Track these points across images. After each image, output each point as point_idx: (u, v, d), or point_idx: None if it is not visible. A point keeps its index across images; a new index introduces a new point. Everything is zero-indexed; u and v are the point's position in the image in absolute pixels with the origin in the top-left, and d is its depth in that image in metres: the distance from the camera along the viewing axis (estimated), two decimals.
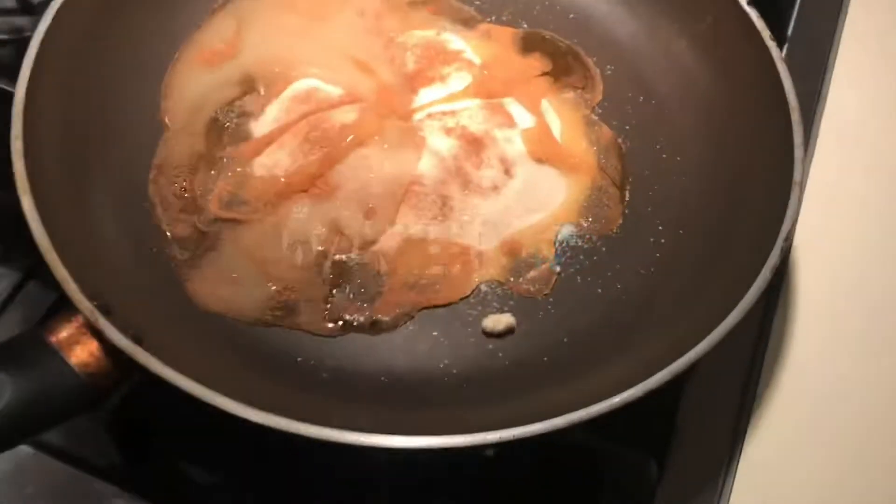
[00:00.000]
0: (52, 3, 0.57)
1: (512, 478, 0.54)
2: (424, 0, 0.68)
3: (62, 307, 0.52)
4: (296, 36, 0.65)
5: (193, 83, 0.62)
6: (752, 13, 0.61)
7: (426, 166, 0.59)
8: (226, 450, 0.54)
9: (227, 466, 0.55)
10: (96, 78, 0.59)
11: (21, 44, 0.74)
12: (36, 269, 0.61)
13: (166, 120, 0.60)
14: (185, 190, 0.58)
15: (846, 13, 0.79)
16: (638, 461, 0.54)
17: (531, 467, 0.55)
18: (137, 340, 0.46)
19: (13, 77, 0.64)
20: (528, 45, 0.67)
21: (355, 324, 0.54)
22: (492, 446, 0.44)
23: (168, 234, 0.56)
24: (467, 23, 0.68)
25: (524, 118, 0.62)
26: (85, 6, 0.59)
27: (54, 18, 0.57)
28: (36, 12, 0.75)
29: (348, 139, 0.59)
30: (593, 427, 0.45)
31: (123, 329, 0.46)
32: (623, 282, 0.57)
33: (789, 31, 0.76)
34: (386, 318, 0.54)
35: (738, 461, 0.55)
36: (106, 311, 0.46)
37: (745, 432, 0.56)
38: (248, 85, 0.62)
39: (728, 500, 0.54)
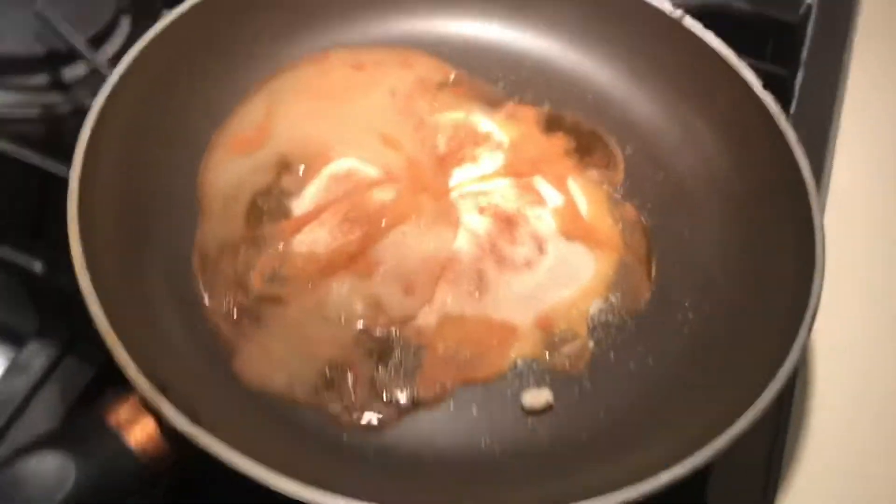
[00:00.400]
0: (105, 84, 0.60)
1: None
2: (453, 82, 0.71)
3: (107, 383, 0.53)
4: (328, 117, 0.68)
5: (229, 171, 0.64)
6: (767, 97, 0.64)
7: (462, 243, 0.61)
8: None
9: None
10: (145, 156, 0.61)
11: (52, 121, 0.76)
12: (74, 343, 0.62)
13: (204, 206, 0.62)
14: (227, 269, 0.59)
15: (846, 88, 0.84)
16: None
17: None
18: (195, 419, 0.47)
19: (45, 153, 0.67)
20: (552, 124, 0.70)
21: (398, 401, 0.55)
22: None
23: (213, 311, 0.58)
24: (493, 104, 0.71)
25: (553, 196, 0.65)
26: (135, 86, 0.61)
27: (107, 98, 0.59)
28: (67, 89, 0.78)
29: (386, 219, 0.61)
30: None
31: (181, 407, 0.47)
32: (654, 358, 0.59)
33: (792, 109, 0.80)
34: (427, 395, 0.56)
35: None
36: (163, 390, 0.47)
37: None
38: (285, 167, 0.64)
39: None
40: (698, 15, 0.70)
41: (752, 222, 0.63)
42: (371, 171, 0.64)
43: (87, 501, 0.45)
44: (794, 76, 0.82)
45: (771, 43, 0.86)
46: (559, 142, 0.68)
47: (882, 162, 0.79)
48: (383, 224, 0.61)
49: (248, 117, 0.67)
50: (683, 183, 0.68)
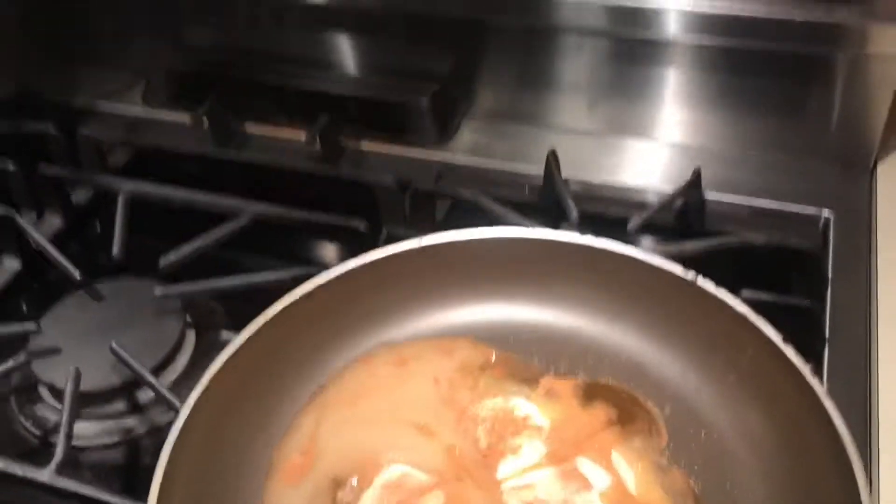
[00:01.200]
0: (179, 416, 0.65)
1: None
2: (493, 363, 0.75)
3: None
4: (375, 420, 0.72)
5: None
6: (789, 350, 0.66)
7: None
8: None
9: None
10: (213, 480, 0.66)
11: (129, 445, 0.82)
12: None
13: None
14: None
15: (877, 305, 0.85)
16: None
17: None
18: None
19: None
20: (590, 394, 0.73)
21: None
22: None
23: None
24: (530, 381, 0.74)
25: (598, 477, 0.66)
26: (198, 422, 0.66)
27: (177, 437, 0.64)
28: (142, 411, 0.85)
29: None
30: None
31: None
32: None
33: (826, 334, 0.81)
34: None
35: None
36: None
37: None
38: (338, 485, 0.68)
39: None
40: (720, 254, 0.74)
41: (792, 481, 0.64)
42: (421, 476, 0.67)
43: None
44: (822, 305, 0.84)
45: (794, 274, 0.89)
46: (600, 413, 0.71)
47: None
48: None
49: (296, 437, 0.71)
50: (724, 439, 0.69)
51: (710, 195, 0.99)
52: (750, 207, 0.98)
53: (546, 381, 0.74)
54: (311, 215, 0.95)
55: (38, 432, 0.84)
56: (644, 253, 0.75)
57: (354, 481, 0.68)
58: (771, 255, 0.90)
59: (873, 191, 0.99)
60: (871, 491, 0.58)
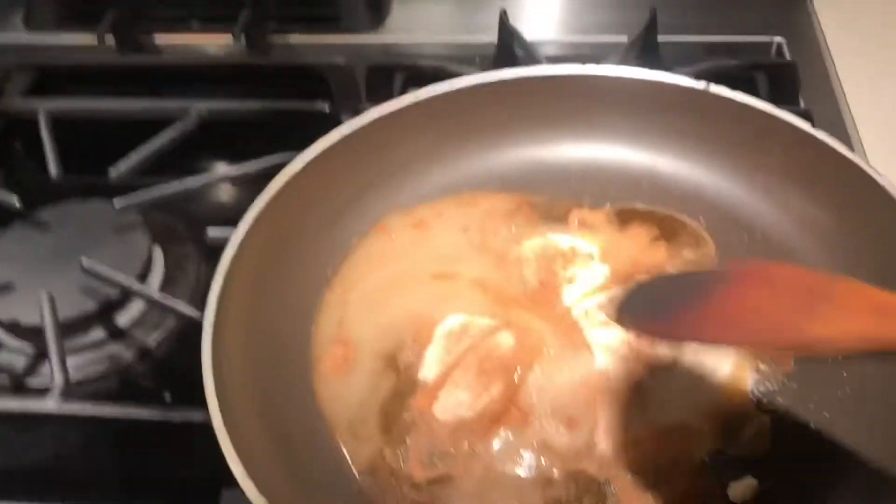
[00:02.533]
0: (208, 307, 0.58)
1: None
2: (518, 207, 0.71)
3: None
4: (405, 285, 0.67)
5: (341, 398, 0.61)
6: (821, 134, 0.66)
7: (603, 361, 0.60)
8: None
9: None
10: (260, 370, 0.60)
11: (121, 372, 0.73)
12: None
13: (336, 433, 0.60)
14: (385, 477, 0.57)
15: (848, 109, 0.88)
16: None
17: None
18: None
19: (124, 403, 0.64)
20: (624, 219, 0.71)
21: None
22: None
23: None
24: (561, 219, 0.71)
25: None
26: (231, 305, 0.60)
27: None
28: (125, 336, 0.76)
29: (520, 364, 0.59)
30: None
31: None
32: (828, 409, 0.58)
33: None
34: None
35: None
36: None
37: None
38: (392, 358, 0.63)
39: None
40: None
41: (853, 247, 0.64)
42: (481, 321, 0.63)
43: None
44: (803, 108, 0.85)
45: (766, 89, 0.90)
46: (641, 233, 0.69)
47: None
48: (519, 371, 0.59)
49: (327, 328, 0.65)
50: (770, 235, 0.69)
51: (664, 36, 0.98)
52: (704, 43, 0.98)
53: (576, 215, 0.71)
54: (266, 104, 0.87)
55: (6, 381, 0.73)
56: (650, 72, 0.73)
57: (411, 342, 0.62)
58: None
59: (814, 14, 1.02)
60: None
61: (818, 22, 1.00)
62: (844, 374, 0.60)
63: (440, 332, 0.63)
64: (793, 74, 0.88)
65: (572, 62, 0.76)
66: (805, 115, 0.79)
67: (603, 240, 0.69)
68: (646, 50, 0.96)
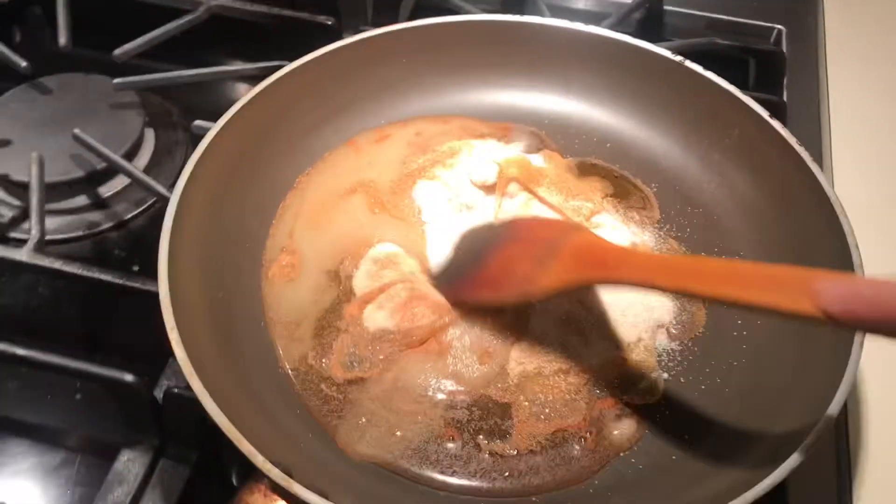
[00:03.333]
0: (172, 198, 0.63)
1: None
2: (487, 133, 0.78)
3: (202, 480, 0.60)
4: (356, 201, 0.73)
5: (284, 301, 0.67)
6: (777, 125, 0.70)
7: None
8: None
9: None
10: (216, 254, 0.65)
11: (93, 238, 0.79)
12: (164, 448, 0.64)
13: (272, 329, 0.65)
14: (307, 364, 0.63)
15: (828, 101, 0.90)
16: None
17: None
18: (324, 495, 0.49)
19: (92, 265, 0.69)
20: (583, 170, 0.75)
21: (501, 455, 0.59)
22: None
23: (307, 403, 0.61)
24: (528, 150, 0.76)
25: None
26: (194, 199, 0.65)
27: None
28: (106, 206, 0.81)
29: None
30: None
31: (309, 487, 0.49)
32: (721, 376, 0.63)
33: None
34: (524, 447, 0.59)
35: None
36: (289, 473, 0.50)
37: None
38: (335, 273, 0.68)
39: None
40: (691, 55, 0.76)
41: (783, 240, 0.68)
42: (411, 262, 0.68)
43: None
44: (781, 99, 0.88)
45: (754, 74, 0.92)
46: (595, 185, 0.74)
47: (877, 158, 0.85)
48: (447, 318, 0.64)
49: (278, 236, 0.71)
50: (711, 211, 0.73)
51: (670, 6, 1.00)
52: (707, 19, 1.00)
53: (544, 153, 0.76)
54: (274, 10, 0.91)
55: None
56: (631, 38, 0.76)
57: (348, 260, 0.68)
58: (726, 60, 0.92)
59: (820, 8, 1.04)
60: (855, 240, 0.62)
61: (823, 16, 1.02)
62: (744, 347, 0.64)
63: (370, 256, 0.68)
64: (779, 63, 0.91)
65: (570, 16, 0.79)
66: (776, 105, 0.83)
67: (558, 176, 0.73)
68: (650, 15, 0.98)
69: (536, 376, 0.62)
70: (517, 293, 0.59)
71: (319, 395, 0.61)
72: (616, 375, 0.62)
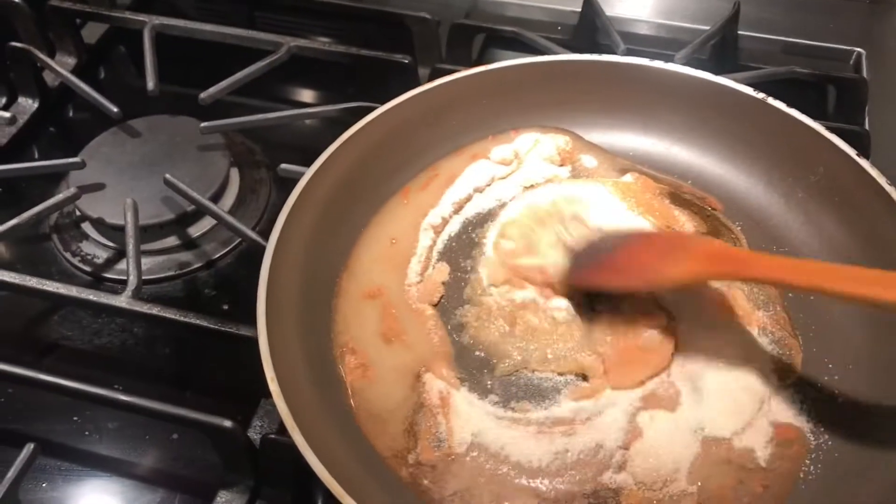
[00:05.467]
0: (271, 238, 0.65)
1: None
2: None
3: None
4: None
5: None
6: (864, 163, 0.69)
7: None
8: None
9: None
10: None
11: (184, 278, 0.81)
12: (259, 489, 0.66)
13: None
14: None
15: None
16: None
17: None
18: None
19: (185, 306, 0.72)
20: (676, 201, 0.76)
21: None
22: None
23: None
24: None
25: None
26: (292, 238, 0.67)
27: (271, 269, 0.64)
28: (196, 246, 0.83)
29: None
30: None
31: None
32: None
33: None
34: None
35: None
36: None
37: None
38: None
39: None
40: (769, 84, 0.76)
41: None
42: None
43: None
44: (863, 128, 0.87)
45: (833, 100, 0.91)
46: (689, 220, 0.74)
47: None
48: None
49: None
50: (797, 252, 0.72)
51: (745, 31, 0.99)
52: (783, 43, 1.00)
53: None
54: (351, 49, 0.92)
55: (87, 269, 0.82)
56: (712, 75, 0.76)
57: None
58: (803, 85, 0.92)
59: None
60: None
61: None
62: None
63: None
64: (861, 91, 0.90)
65: (650, 46, 0.79)
66: (861, 136, 0.82)
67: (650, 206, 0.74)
68: (724, 42, 0.98)
69: None
70: (646, 280, 0.64)
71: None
72: None
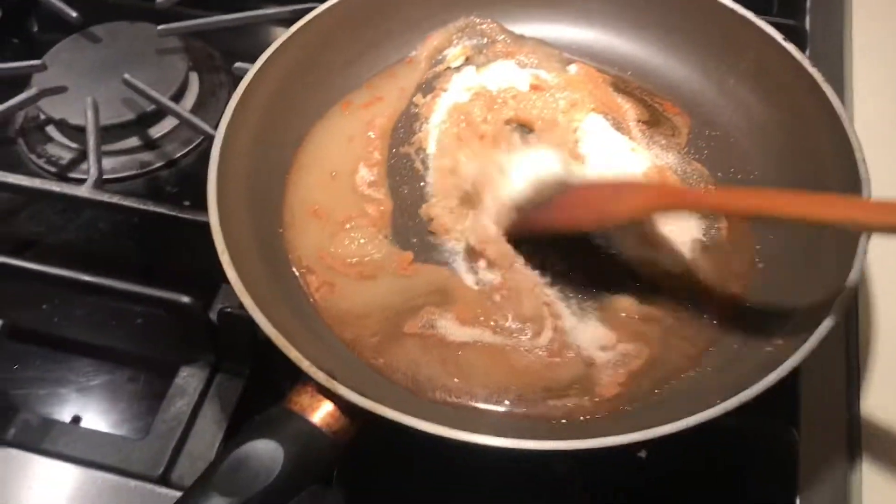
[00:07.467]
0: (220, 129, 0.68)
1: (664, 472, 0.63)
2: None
3: (255, 391, 0.66)
4: None
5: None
6: (791, 47, 0.72)
7: None
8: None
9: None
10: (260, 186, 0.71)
11: (146, 177, 0.84)
12: (219, 364, 0.70)
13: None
14: None
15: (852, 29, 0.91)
16: (779, 431, 0.63)
17: (681, 459, 0.63)
18: (363, 394, 0.54)
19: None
20: (619, 88, 0.79)
21: None
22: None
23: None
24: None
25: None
26: (241, 127, 0.70)
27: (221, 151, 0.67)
28: (156, 146, 0.86)
29: None
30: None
31: (352, 388, 0.54)
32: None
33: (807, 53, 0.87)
34: None
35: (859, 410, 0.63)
36: (333, 376, 0.55)
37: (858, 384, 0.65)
38: None
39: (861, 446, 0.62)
40: None
41: (794, 159, 0.71)
42: None
43: (295, 476, 0.52)
44: (802, 24, 0.89)
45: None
46: (634, 109, 0.78)
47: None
48: None
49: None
50: (728, 134, 0.76)
51: None
52: None
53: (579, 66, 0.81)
54: None
55: (53, 170, 0.85)
56: None
57: None
58: None
59: None
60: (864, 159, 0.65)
61: None
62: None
63: None
64: None
65: None
66: (795, 30, 0.85)
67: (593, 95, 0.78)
68: None
69: None
70: (597, 217, 0.65)
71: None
72: None
